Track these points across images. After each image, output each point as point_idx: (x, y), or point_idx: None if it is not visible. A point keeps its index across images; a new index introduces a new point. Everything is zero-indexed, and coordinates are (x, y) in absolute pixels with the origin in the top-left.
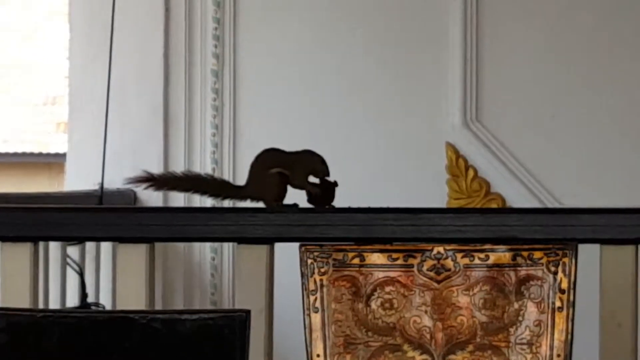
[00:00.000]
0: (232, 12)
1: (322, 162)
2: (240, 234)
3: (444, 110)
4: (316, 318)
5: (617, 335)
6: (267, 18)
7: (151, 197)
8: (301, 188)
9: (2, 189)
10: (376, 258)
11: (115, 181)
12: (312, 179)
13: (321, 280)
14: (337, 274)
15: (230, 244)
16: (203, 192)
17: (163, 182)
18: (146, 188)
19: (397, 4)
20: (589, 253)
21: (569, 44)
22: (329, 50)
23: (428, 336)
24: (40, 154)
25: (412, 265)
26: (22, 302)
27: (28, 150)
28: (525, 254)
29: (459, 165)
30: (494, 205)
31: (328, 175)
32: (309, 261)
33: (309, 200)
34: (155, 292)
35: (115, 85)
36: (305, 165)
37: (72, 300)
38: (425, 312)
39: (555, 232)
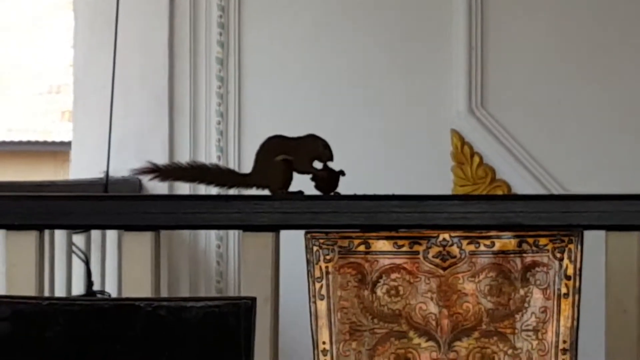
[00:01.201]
0: (236, 0)
1: (326, 146)
2: (245, 221)
3: (449, 97)
4: (322, 305)
5: (623, 322)
6: (271, 6)
7: (157, 185)
8: (306, 173)
9: (7, 178)
10: (382, 245)
11: (120, 169)
12: (317, 164)
13: (327, 267)
14: (343, 261)
15: (236, 231)
16: (209, 182)
17: (168, 172)
18: (151, 179)
19: None
20: (594, 239)
21: (574, 31)
22: (333, 38)
23: (434, 323)
24: (45, 143)
25: (417, 252)
26: (27, 290)
27: (33, 139)
28: (530, 240)
29: (464, 152)
30: (499, 192)
31: (332, 159)
32: (315, 248)
33: (316, 185)
34: (160, 280)
35: (120, 73)
36: (309, 150)
37: (78, 289)
38: (431, 298)
39: (561, 218)
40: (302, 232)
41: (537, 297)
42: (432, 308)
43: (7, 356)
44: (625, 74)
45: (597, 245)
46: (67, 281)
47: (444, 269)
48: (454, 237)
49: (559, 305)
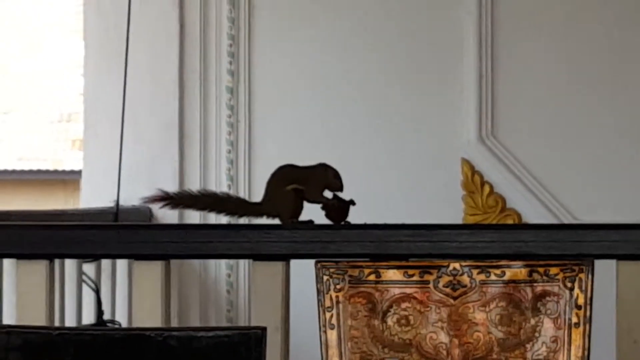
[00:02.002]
0: (246, 28)
1: (336, 175)
2: (255, 250)
3: (459, 126)
4: (332, 335)
5: (634, 352)
6: (281, 35)
7: (167, 214)
8: (316, 202)
9: (17, 207)
10: (392, 274)
11: (130, 198)
12: (327, 193)
13: (337, 296)
14: (353, 291)
15: (246, 260)
16: (219, 210)
17: (179, 200)
18: (162, 207)
19: (411, 21)
20: (605, 269)
21: (584, 59)
22: (343, 67)
23: (444, 352)
24: (55, 171)
25: (428, 282)
26: (38, 319)
27: (43, 167)
28: (541, 269)
29: (474, 181)
30: (509, 221)
31: (342, 189)
32: (325, 278)
33: (326, 214)
34: (171, 309)
35: (130, 102)
36: (319, 180)
37: (88, 318)
38: (442, 328)
39: (571, 247)
40: (312, 262)
41: (547, 327)
42: (443, 337)
43: None
44: (637, 102)
45: (608, 274)
46: (77, 310)
47: (455, 298)
48: (465, 266)
49: (569, 335)
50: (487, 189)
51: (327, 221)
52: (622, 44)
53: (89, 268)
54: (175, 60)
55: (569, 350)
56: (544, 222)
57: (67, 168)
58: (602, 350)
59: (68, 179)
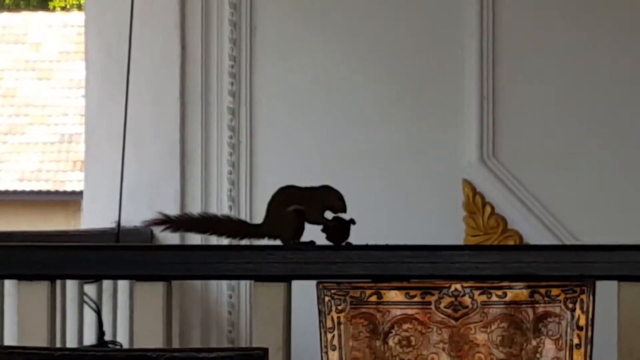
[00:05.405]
0: (248, 49)
1: (339, 197)
2: (257, 271)
3: (461, 147)
4: (334, 356)
5: None
6: (283, 55)
7: (168, 235)
8: (317, 223)
9: (18, 227)
10: (393, 295)
11: (132, 219)
12: (328, 215)
13: (338, 317)
14: (355, 312)
15: (248, 281)
16: (220, 233)
17: (180, 224)
18: (163, 230)
19: (413, 43)
20: (606, 290)
21: (586, 79)
22: (345, 88)
23: None
24: (56, 192)
25: (429, 303)
26: (39, 340)
27: (44, 188)
28: (542, 291)
29: (475, 202)
30: (511, 242)
31: (345, 211)
32: (326, 299)
33: (327, 236)
34: (172, 330)
35: (131, 123)
36: (321, 201)
37: (89, 339)
38: (443, 349)
39: (573, 269)
40: (314, 283)
41: (549, 348)
42: (444, 358)
43: None
44: (638, 124)
45: (609, 295)
46: (78, 331)
47: (456, 319)
48: (466, 287)
49: (571, 356)
50: (488, 210)
51: (328, 242)
52: (624, 66)
53: (90, 289)
54: (176, 82)
55: None
56: (546, 243)
57: (69, 189)
58: None
59: (69, 200)
